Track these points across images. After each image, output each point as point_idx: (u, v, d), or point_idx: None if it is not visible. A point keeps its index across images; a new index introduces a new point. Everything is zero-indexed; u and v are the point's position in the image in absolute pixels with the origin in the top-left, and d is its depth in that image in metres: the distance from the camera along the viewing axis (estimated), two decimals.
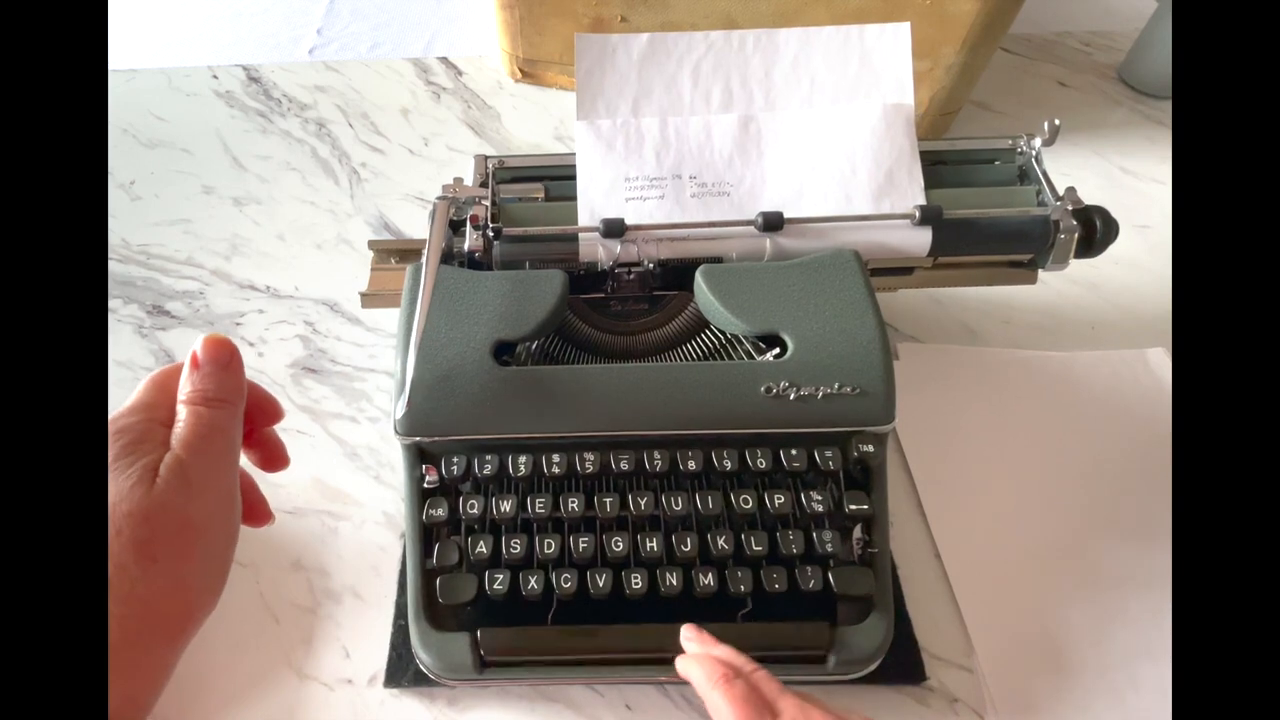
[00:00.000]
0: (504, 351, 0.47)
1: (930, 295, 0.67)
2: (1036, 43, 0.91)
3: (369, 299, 0.54)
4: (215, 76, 0.87)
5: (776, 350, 0.47)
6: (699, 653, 0.40)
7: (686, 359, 0.49)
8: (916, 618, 0.50)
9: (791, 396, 0.45)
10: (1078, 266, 0.69)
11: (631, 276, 0.52)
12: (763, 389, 0.45)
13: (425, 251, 0.48)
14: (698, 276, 0.49)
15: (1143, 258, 0.71)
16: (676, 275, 0.51)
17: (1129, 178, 0.78)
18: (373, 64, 0.89)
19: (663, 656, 0.43)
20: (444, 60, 0.89)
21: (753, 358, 0.48)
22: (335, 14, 0.95)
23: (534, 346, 0.49)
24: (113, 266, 0.70)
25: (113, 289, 0.68)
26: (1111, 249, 0.71)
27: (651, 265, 0.51)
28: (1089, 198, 0.75)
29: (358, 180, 0.77)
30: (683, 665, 0.40)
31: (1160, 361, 0.63)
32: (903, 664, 0.48)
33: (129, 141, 0.80)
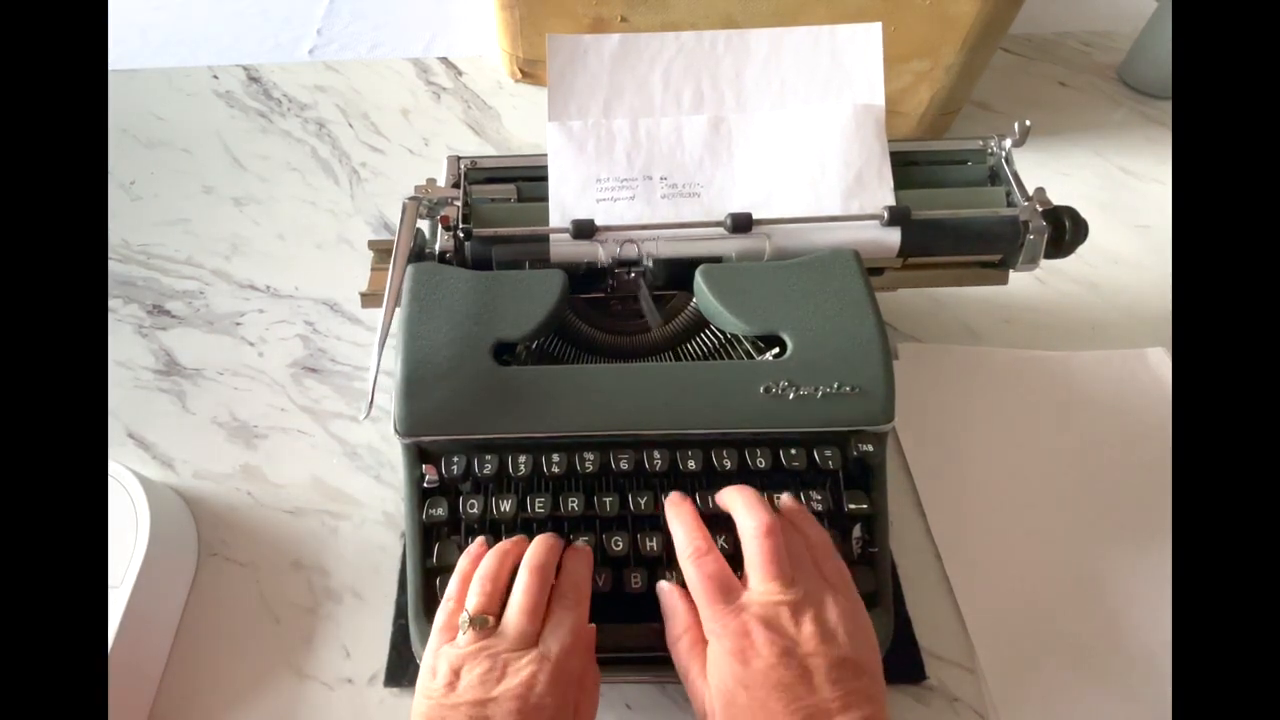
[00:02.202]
0: (504, 351, 0.47)
1: (930, 295, 0.67)
2: (1036, 43, 0.91)
3: (369, 299, 0.54)
4: (215, 76, 0.87)
5: (776, 350, 0.47)
6: (689, 512, 0.42)
7: (686, 359, 0.49)
8: (916, 618, 0.50)
9: (791, 396, 0.45)
10: (1077, 266, 0.70)
11: (631, 276, 0.52)
12: (762, 389, 0.45)
13: (394, 251, 0.48)
14: (697, 276, 0.49)
15: (1143, 258, 0.71)
16: (676, 275, 0.51)
17: (1129, 178, 0.78)
18: (373, 64, 0.89)
19: (663, 656, 0.43)
20: (444, 60, 0.89)
21: (752, 357, 0.48)
22: (335, 14, 0.95)
23: (534, 346, 0.49)
24: (113, 266, 0.70)
25: (113, 289, 0.68)
26: (1111, 249, 0.72)
27: (651, 263, 0.51)
28: (1089, 198, 0.76)
29: (358, 180, 0.77)
30: (671, 516, 0.43)
31: (1160, 361, 0.63)
32: (903, 664, 0.48)
33: (129, 141, 0.80)
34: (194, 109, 0.84)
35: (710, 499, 0.44)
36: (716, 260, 0.50)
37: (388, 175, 0.77)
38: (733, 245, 0.51)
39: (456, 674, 0.36)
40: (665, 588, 0.42)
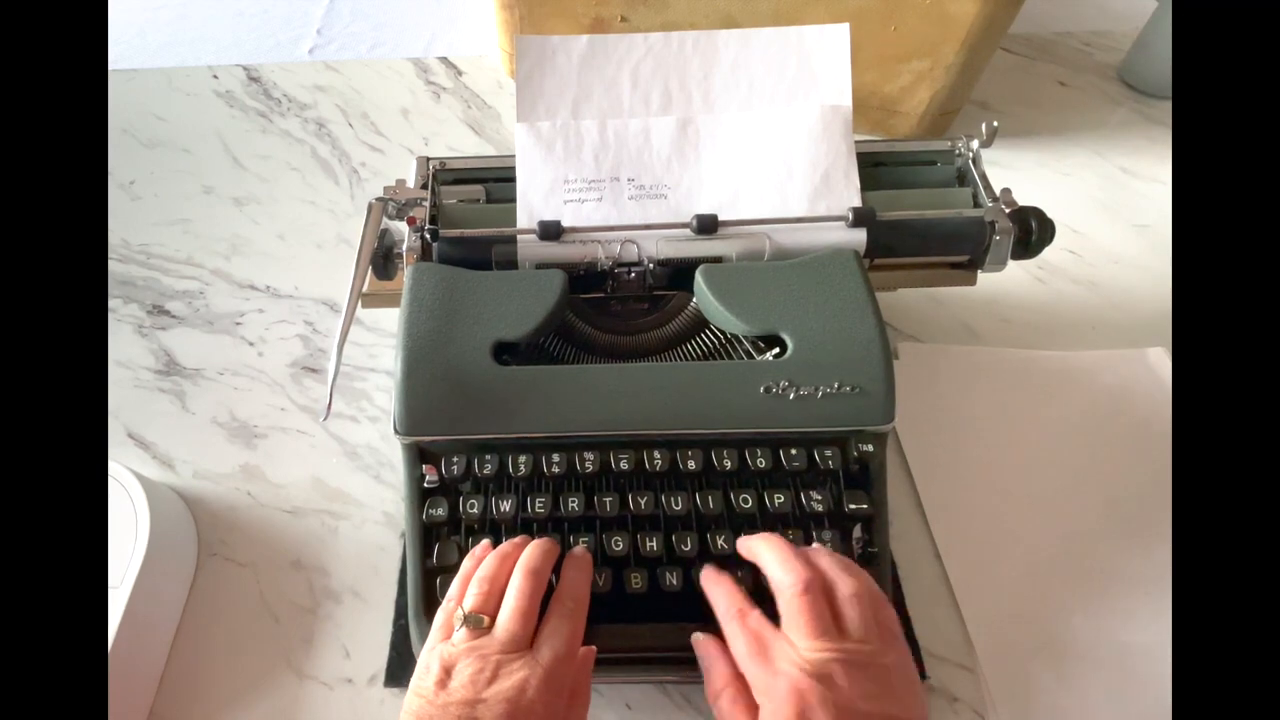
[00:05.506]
0: (504, 351, 0.47)
1: (930, 295, 0.67)
2: (1036, 43, 0.91)
3: (369, 299, 0.54)
4: (215, 76, 0.87)
5: (776, 350, 0.47)
6: (728, 578, 0.42)
7: (686, 359, 0.49)
8: (916, 618, 0.50)
9: (791, 396, 0.45)
10: (1077, 266, 0.70)
11: (631, 276, 0.52)
12: (762, 389, 0.45)
13: (357, 252, 0.49)
14: (698, 276, 0.49)
15: (1143, 258, 0.71)
16: (676, 275, 0.51)
17: (1129, 178, 0.78)
18: (373, 64, 0.89)
19: (663, 656, 0.43)
20: (444, 60, 0.89)
21: (752, 357, 0.48)
22: (335, 14, 0.95)
23: (534, 346, 0.49)
24: (113, 266, 0.70)
25: (113, 289, 0.68)
26: (1111, 249, 0.72)
27: (651, 265, 0.51)
28: (1089, 197, 0.76)
29: (358, 180, 0.77)
30: (706, 584, 0.42)
31: (1160, 361, 0.63)
32: None
33: (129, 141, 0.80)
34: (194, 109, 0.84)
35: (730, 543, 0.44)
36: (717, 260, 0.50)
37: (388, 175, 0.77)
38: (733, 245, 0.51)
39: (448, 672, 0.36)
40: (700, 639, 0.41)
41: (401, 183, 0.54)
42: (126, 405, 0.61)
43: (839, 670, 0.35)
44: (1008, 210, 0.52)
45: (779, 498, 0.45)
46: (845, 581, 0.38)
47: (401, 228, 0.52)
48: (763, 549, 0.41)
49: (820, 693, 0.34)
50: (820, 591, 0.37)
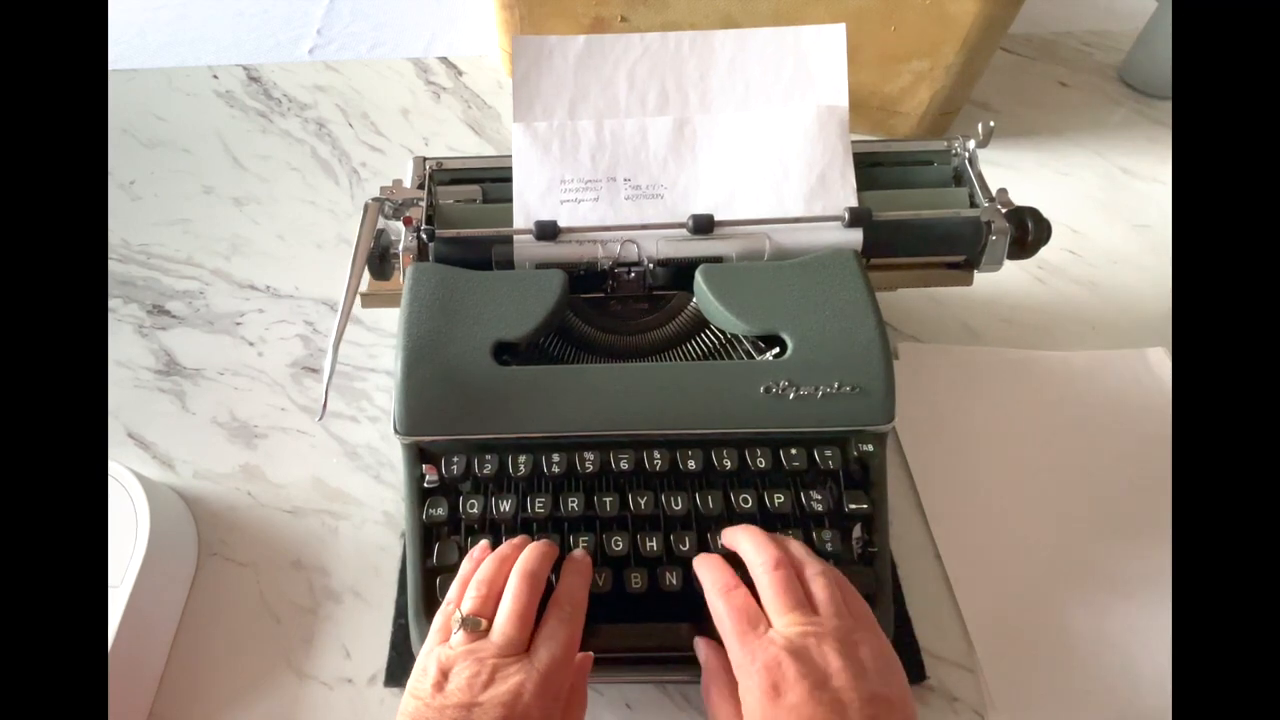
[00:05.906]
0: (504, 351, 0.47)
1: (930, 295, 0.67)
2: (1036, 43, 0.91)
3: (367, 299, 0.54)
4: (215, 76, 0.87)
5: (776, 350, 0.47)
6: (716, 558, 0.42)
7: (686, 359, 0.49)
8: (916, 618, 0.50)
9: (791, 396, 0.45)
10: (1078, 266, 0.70)
11: (631, 276, 0.52)
12: (762, 389, 0.45)
13: (353, 253, 0.49)
14: (698, 276, 0.49)
15: (1143, 258, 0.71)
16: (676, 275, 0.51)
17: (1129, 178, 0.78)
18: (373, 64, 0.89)
19: (662, 656, 0.43)
20: (444, 60, 0.89)
21: (752, 357, 0.48)
22: (335, 14, 0.95)
23: (534, 346, 0.49)
24: (113, 266, 0.70)
25: (113, 289, 0.68)
26: (1111, 249, 0.72)
27: (650, 265, 0.51)
28: (1089, 198, 0.76)
29: (358, 180, 0.77)
30: (698, 565, 0.42)
31: (1160, 361, 0.63)
32: (903, 664, 0.47)
33: (129, 141, 0.80)
34: (194, 109, 0.84)
35: (717, 539, 0.44)
36: (717, 260, 0.50)
37: (387, 175, 0.77)
38: (733, 245, 0.51)
39: (445, 675, 0.36)
40: (701, 641, 0.42)
41: (398, 183, 0.54)
42: (126, 405, 0.61)
43: (814, 644, 0.35)
44: (1004, 210, 0.52)
45: (779, 498, 0.45)
46: (812, 562, 0.40)
47: (398, 228, 0.52)
48: (740, 535, 0.42)
49: (794, 668, 0.34)
50: (790, 568, 0.39)
